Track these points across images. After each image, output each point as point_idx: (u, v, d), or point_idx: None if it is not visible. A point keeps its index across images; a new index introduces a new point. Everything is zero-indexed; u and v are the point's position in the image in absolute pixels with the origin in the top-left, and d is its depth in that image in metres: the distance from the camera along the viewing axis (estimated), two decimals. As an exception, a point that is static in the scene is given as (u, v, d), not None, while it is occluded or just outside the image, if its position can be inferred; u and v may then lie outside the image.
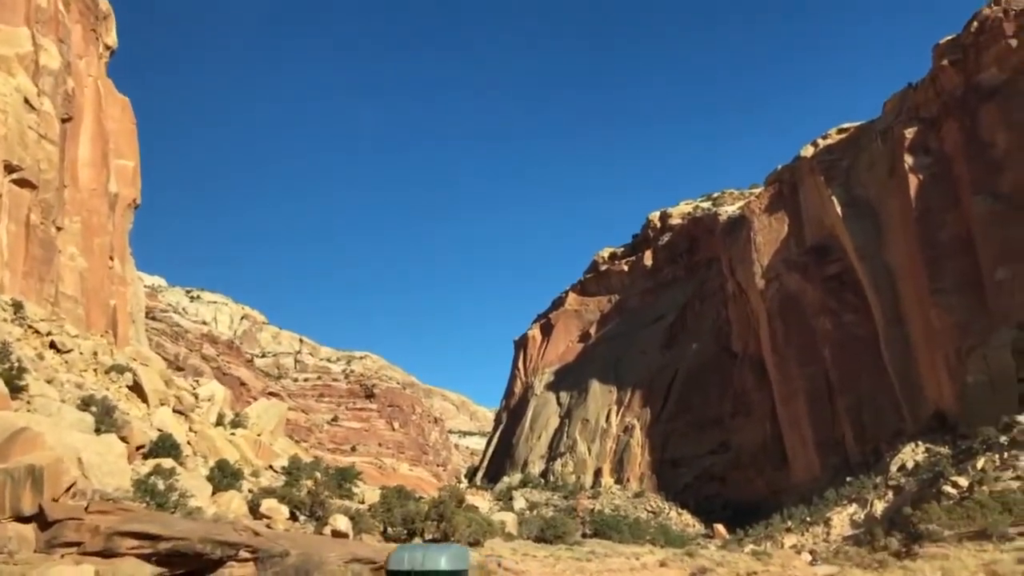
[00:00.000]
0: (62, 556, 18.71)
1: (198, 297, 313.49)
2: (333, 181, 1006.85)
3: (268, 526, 33.13)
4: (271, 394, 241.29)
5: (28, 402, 34.02)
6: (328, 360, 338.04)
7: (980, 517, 60.81)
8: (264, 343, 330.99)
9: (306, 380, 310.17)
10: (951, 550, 43.82)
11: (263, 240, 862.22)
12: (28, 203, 72.41)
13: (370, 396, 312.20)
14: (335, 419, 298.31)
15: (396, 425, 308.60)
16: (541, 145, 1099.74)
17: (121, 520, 20.00)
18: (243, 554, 22.74)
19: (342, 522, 36.50)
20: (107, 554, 19.85)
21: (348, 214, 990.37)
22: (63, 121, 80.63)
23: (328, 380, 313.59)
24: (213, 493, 38.46)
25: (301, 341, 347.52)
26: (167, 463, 36.35)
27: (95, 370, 54.98)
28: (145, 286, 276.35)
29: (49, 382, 44.66)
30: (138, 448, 40.83)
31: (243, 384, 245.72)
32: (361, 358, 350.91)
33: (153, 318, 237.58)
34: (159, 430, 45.56)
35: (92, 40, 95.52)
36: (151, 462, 35.97)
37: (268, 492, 39.77)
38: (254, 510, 36.41)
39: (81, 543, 19.62)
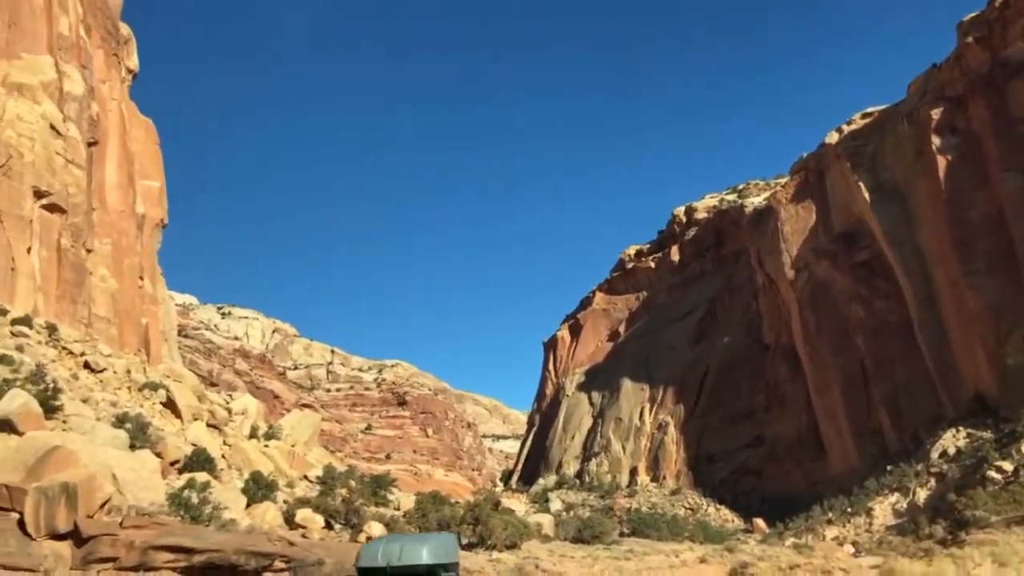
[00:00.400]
0: (98, 572, 18.92)
1: (229, 313, 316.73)
2: (357, 190, 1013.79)
3: (303, 536, 33.27)
4: (304, 406, 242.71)
5: (64, 421, 34.47)
6: (360, 370, 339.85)
7: (1026, 503, 59.52)
8: (296, 355, 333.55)
9: (338, 390, 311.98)
10: (999, 536, 42.81)
11: (292, 254, 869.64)
12: (58, 227, 73.52)
13: (402, 403, 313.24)
14: (369, 428, 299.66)
15: (430, 431, 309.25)
16: (564, 146, 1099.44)
17: (156, 534, 20.13)
18: (278, 564, 22.82)
19: (377, 529, 36.47)
20: (143, 568, 19.98)
21: (373, 223, 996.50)
22: (89, 145, 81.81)
23: (360, 389, 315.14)
24: (248, 505, 38.68)
25: (332, 352, 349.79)
26: (202, 477, 36.58)
27: (129, 388, 55.68)
28: (177, 304, 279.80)
29: (84, 401, 45.27)
30: (173, 463, 41.22)
31: (276, 397, 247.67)
32: (392, 366, 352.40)
33: (186, 336, 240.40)
34: (193, 445, 45.97)
35: (114, 64, 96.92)
36: (186, 476, 36.20)
37: (303, 502, 39.93)
38: (289, 520, 36.57)
39: (117, 558, 19.78)
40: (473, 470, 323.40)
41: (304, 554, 23.96)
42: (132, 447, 35.76)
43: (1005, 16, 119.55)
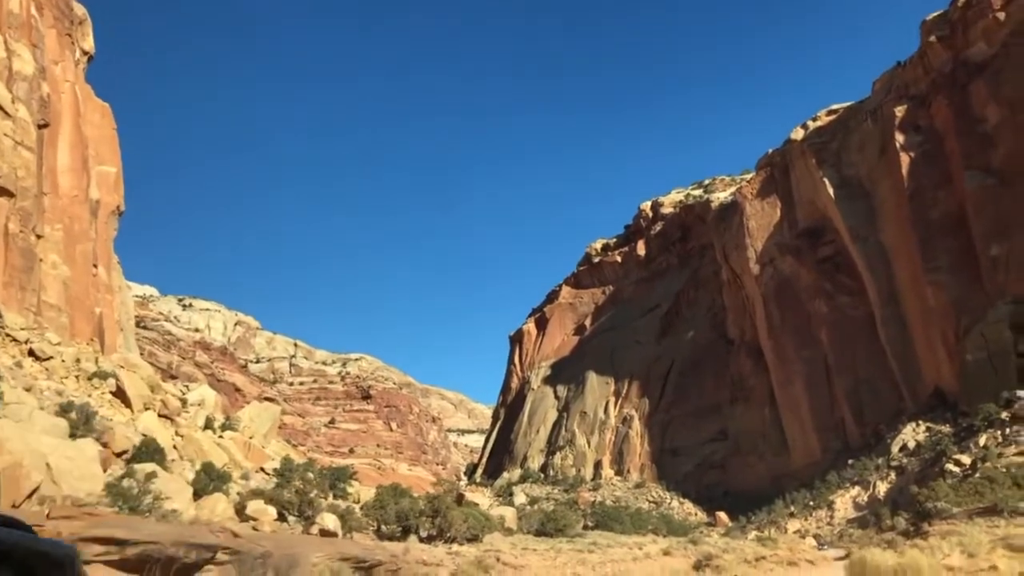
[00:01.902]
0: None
1: (190, 305, 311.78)
2: (322, 181, 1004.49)
3: (254, 528, 31.96)
4: (267, 399, 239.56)
5: (-1, 409, 32.79)
6: (323, 363, 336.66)
7: (990, 493, 59.85)
8: (258, 348, 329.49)
9: (302, 384, 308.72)
10: (962, 527, 42.83)
11: (255, 246, 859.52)
12: (6, 211, 70.84)
13: (367, 397, 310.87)
14: (332, 422, 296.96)
15: (394, 425, 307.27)
16: (531, 137, 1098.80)
17: (86, 525, 18.75)
18: (221, 557, 21.51)
19: (330, 520, 35.21)
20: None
21: (338, 216, 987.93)
22: (39, 127, 79.01)
23: (324, 383, 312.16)
24: (198, 497, 37.22)
25: (296, 345, 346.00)
26: (148, 467, 35.07)
27: (77, 377, 53.63)
28: (136, 296, 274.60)
29: (28, 390, 43.36)
30: (120, 454, 39.55)
31: (238, 390, 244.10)
32: (357, 360, 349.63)
33: (145, 327, 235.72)
34: (143, 435, 44.28)
35: (67, 45, 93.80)
36: (135, 468, 34.66)
37: (256, 494, 38.56)
38: (240, 512, 35.19)
39: (42, 551, 18.27)
40: (438, 464, 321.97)
41: (250, 546, 22.69)
42: (73, 436, 34.10)
43: (967, 16, 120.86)
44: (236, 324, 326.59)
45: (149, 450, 40.12)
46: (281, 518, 37.17)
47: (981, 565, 22.52)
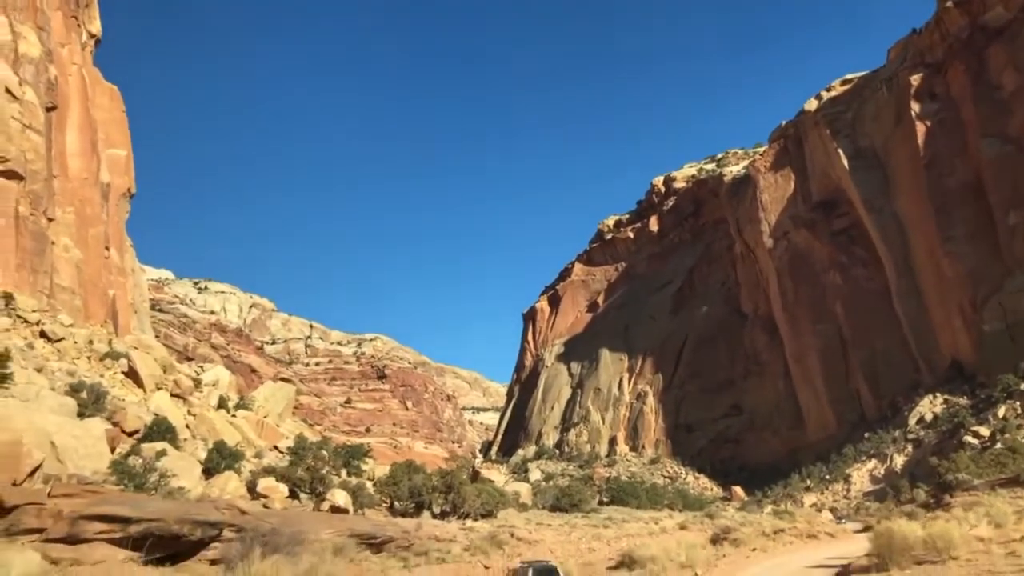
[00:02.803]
0: (23, 545, 17.33)
1: (206, 288, 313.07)
2: (336, 163, 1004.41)
3: (265, 505, 31.87)
4: (283, 379, 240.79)
5: (6, 388, 32.68)
6: (339, 344, 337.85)
7: (1012, 464, 59.11)
8: (274, 330, 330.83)
9: (317, 364, 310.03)
10: (985, 498, 42.27)
11: (271, 229, 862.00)
12: (16, 195, 70.71)
13: (382, 377, 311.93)
14: (348, 401, 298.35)
15: (409, 404, 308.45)
16: (543, 116, 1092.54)
17: (88, 503, 18.54)
18: (227, 534, 21.31)
19: (340, 497, 35.08)
20: (73, 540, 18.28)
21: (352, 199, 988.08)
22: (48, 110, 78.73)
23: (339, 363, 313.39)
24: (210, 475, 37.18)
25: (311, 327, 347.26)
26: (158, 446, 35.04)
27: (89, 358, 53.69)
28: (152, 279, 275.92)
29: (39, 371, 43.38)
30: (132, 433, 39.50)
31: (254, 371, 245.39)
32: (372, 340, 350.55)
33: (160, 310, 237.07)
34: (155, 414, 44.30)
35: (74, 27, 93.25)
36: (141, 446, 34.61)
37: (268, 472, 38.47)
38: (252, 490, 35.12)
39: (43, 529, 18.10)
40: (453, 442, 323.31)
41: (257, 523, 22.48)
42: (81, 415, 34.07)
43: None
44: (251, 306, 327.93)
45: (160, 429, 40.08)
46: (293, 495, 37.11)
47: (1012, 535, 22.04)
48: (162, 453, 33.74)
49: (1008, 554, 20.30)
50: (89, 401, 38.36)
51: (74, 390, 39.72)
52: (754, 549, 41.02)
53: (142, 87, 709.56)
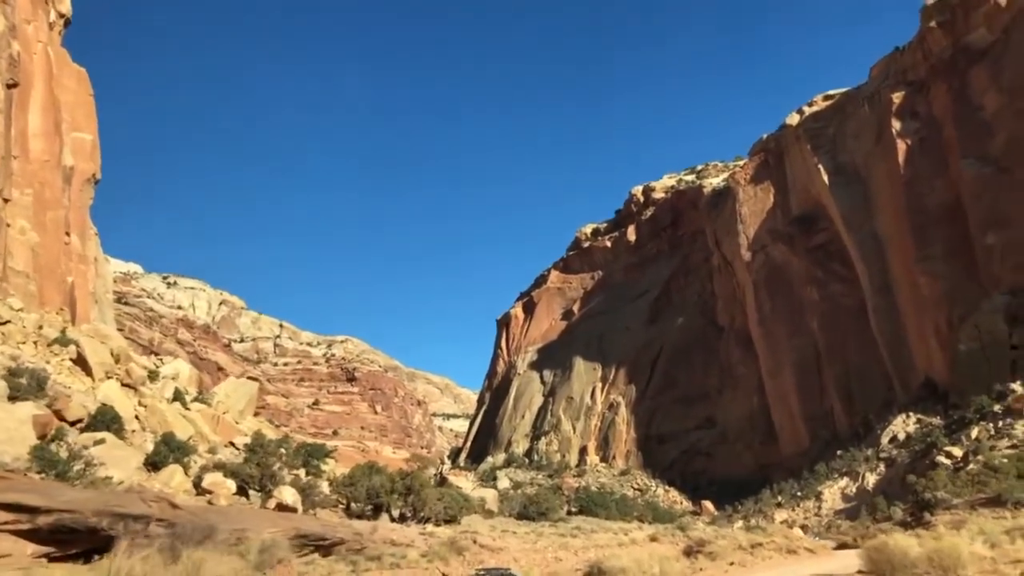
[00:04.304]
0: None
1: (175, 283, 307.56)
2: (310, 159, 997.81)
3: (209, 502, 29.67)
4: (250, 378, 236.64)
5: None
6: (309, 344, 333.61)
7: (994, 483, 57.91)
8: (243, 328, 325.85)
9: (286, 364, 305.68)
10: (970, 517, 40.86)
11: (243, 226, 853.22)
12: (-30, 172, 67.70)
13: (352, 380, 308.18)
14: (316, 403, 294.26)
15: (379, 408, 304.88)
16: (522, 120, 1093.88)
17: (-9, 490, 16.33)
18: (155, 529, 19.09)
19: (288, 495, 32.85)
20: (-30, 531, 16.21)
21: (326, 197, 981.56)
22: (8, 87, 75.72)
23: (309, 364, 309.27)
24: (157, 468, 34.79)
25: (281, 326, 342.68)
26: (98, 435, 32.64)
27: (35, 343, 50.92)
28: (120, 272, 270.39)
29: (-23, 354, 40.76)
30: (74, 422, 37.02)
31: (220, 369, 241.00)
32: (342, 342, 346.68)
33: (127, 303, 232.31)
34: (102, 403, 41.77)
35: (41, 5, 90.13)
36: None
37: (217, 467, 36.17)
38: (198, 485, 32.84)
39: (-61, 519, 15.95)
40: (422, 448, 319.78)
41: (190, 518, 20.28)
42: (13, 399, 31.61)
43: (968, 2, 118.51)
44: (221, 303, 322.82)
45: (105, 419, 37.57)
46: (242, 492, 34.78)
47: (1013, 554, 20.37)
48: (100, 442, 31.32)
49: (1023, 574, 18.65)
50: (30, 386, 35.78)
51: (12, 374, 37.11)
52: (732, 563, 39.20)
53: (116, 73, 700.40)
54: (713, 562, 38.00)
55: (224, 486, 32.75)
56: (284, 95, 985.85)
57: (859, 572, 23.99)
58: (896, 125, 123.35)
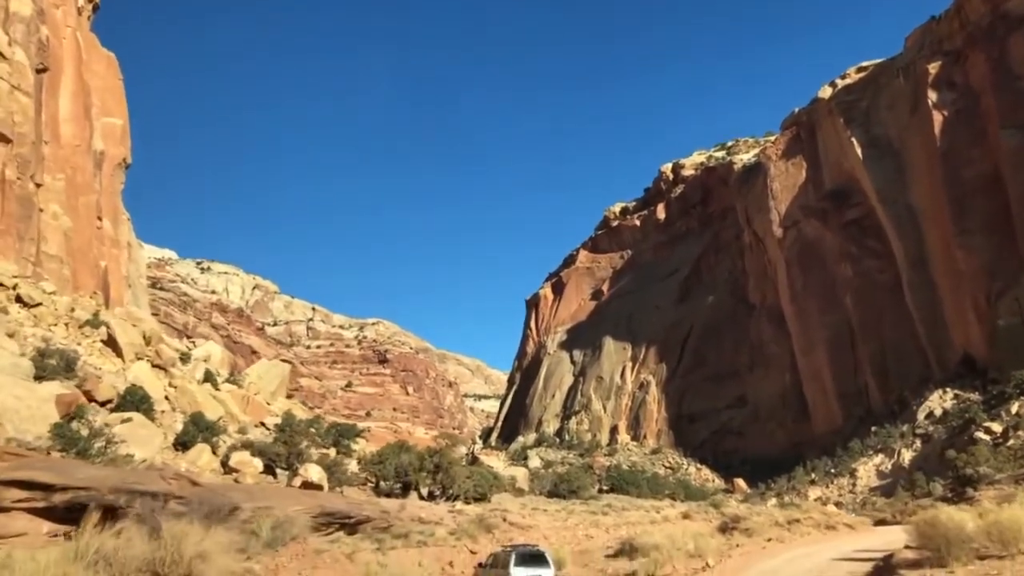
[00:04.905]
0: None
1: (208, 268, 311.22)
2: (341, 149, 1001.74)
3: (236, 480, 29.70)
4: (283, 361, 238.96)
5: (-44, 347, 30.48)
6: (341, 327, 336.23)
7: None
8: (276, 312, 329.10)
9: (319, 347, 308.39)
10: (1015, 491, 39.72)
11: (276, 211, 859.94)
12: (2, 157, 68.43)
13: (383, 361, 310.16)
14: (349, 385, 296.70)
15: (410, 390, 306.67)
16: (550, 100, 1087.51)
17: (6, 468, 16.21)
18: (174, 506, 18.98)
19: (314, 473, 32.80)
20: (-13, 509, 16.10)
21: (357, 181, 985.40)
22: (38, 71, 76.42)
23: (341, 347, 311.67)
24: (186, 448, 34.92)
25: (314, 309, 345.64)
26: (127, 415, 32.81)
27: (67, 325, 51.48)
28: (155, 258, 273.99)
29: (11, 336, 41.17)
30: (105, 402, 37.29)
31: (254, 352, 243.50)
32: (374, 324, 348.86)
33: (161, 288, 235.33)
34: (132, 384, 42.05)
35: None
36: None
37: (246, 446, 36.24)
38: (225, 464, 32.91)
39: (-49, 495, 15.90)
40: (454, 429, 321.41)
41: (210, 496, 20.13)
42: (39, 378, 31.82)
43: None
44: (254, 288, 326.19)
45: (135, 399, 37.81)
46: (269, 471, 34.84)
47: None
48: (127, 420, 31.44)
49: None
50: (60, 367, 36.02)
51: (41, 355, 37.41)
52: (770, 539, 38.54)
53: (145, 58, 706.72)
54: (750, 538, 37.36)
55: (251, 465, 32.80)
56: (315, 78, 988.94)
57: (906, 547, 23.26)
58: (932, 96, 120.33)
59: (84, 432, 26.54)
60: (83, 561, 13.16)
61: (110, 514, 16.80)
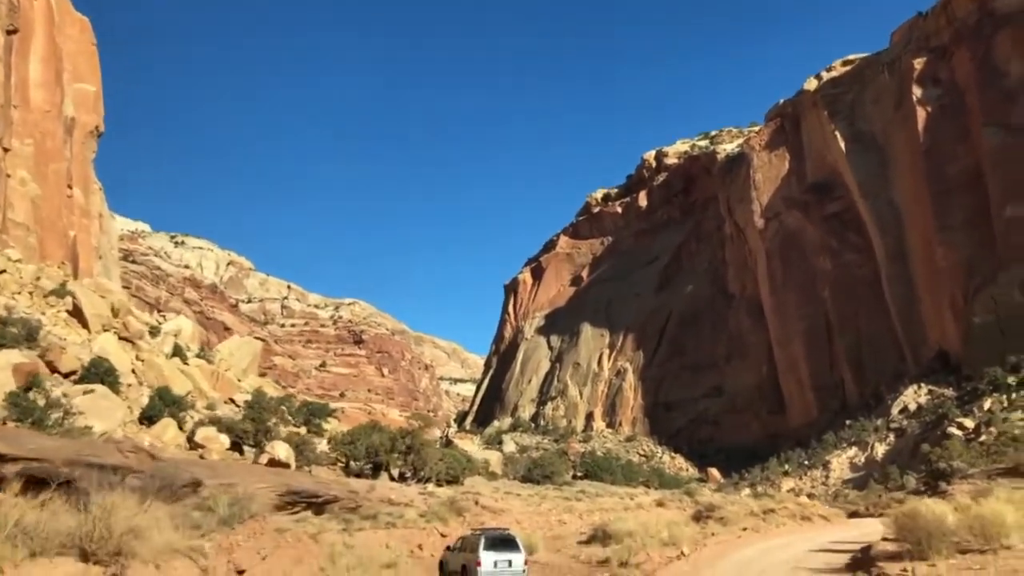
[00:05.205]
0: None
1: (183, 243, 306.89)
2: (320, 122, 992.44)
3: (201, 456, 28.70)
4: (257, 339, 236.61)
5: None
6: (316, 307, 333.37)
7: (1013, 454, 56.71)
8: (251, 289, 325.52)
9: (293, 326, 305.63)
10: (989, 486, 39.76)
11: (252, 186, 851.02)
12: (-33, 119, 66.27)
13: (359, 342, 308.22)
14: (323, 365, 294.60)
15: (385, 371, 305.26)
16: (533, 85, 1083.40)
17: (-50, 436, 15.16)
18: (132, 481, 18.01)
19: (281, 450, 31.83)
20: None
21: (336, 159, 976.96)
22: (8, 33, 74.11)
23: (316, 326, 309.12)
24: (152, 422, 33.78)
25: (289, 288, 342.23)
26: (91, 387, 31.62)
27: (31, 294, 49.90)
28: (128, 230, 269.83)
29: (-30, 302, 39.70)
30: (68, 374, 36.02)
31: (227, 329, 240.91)
32: (350, 305, 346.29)
33: (134, 261, 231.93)
34: (98, 356, 40.74)
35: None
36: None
37: (212, 422, 35.17)
38: (191, 440, 31.84)
39: None
40: (429, 411, 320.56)
41: (171, 471, 19.18)
42: (0, 347, 30.54)
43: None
44: (229, 264, 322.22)
45: (99, 371, 36.51)
46: (236, 448, 33.75)
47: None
48: (88, 392, 30.24)
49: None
50: (19, 335, 34.64)
51: (2, 323, 36.00)
52: (745, 529, 38.19)
53: (122, 26, 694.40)
54: (725, 527, 36.90)
55: (217, 441, 31.74)
56: (296, 55, 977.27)
57: (883, 539, 22.80)
58: (917, 92, 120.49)
59: (41, 402, 25.37)
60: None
61: (65, 487, 15.81)
